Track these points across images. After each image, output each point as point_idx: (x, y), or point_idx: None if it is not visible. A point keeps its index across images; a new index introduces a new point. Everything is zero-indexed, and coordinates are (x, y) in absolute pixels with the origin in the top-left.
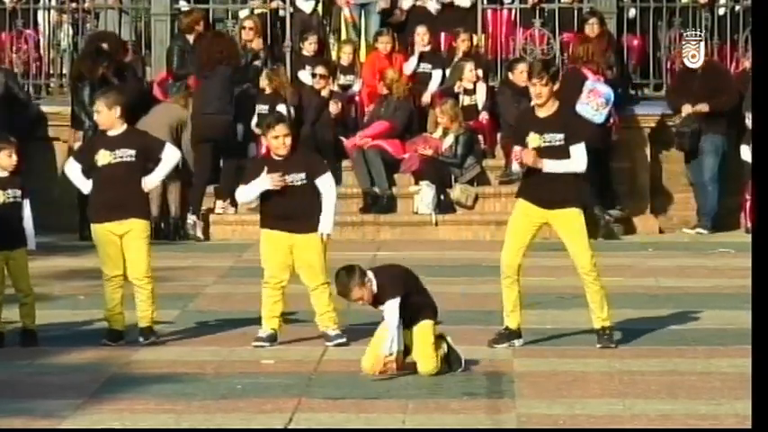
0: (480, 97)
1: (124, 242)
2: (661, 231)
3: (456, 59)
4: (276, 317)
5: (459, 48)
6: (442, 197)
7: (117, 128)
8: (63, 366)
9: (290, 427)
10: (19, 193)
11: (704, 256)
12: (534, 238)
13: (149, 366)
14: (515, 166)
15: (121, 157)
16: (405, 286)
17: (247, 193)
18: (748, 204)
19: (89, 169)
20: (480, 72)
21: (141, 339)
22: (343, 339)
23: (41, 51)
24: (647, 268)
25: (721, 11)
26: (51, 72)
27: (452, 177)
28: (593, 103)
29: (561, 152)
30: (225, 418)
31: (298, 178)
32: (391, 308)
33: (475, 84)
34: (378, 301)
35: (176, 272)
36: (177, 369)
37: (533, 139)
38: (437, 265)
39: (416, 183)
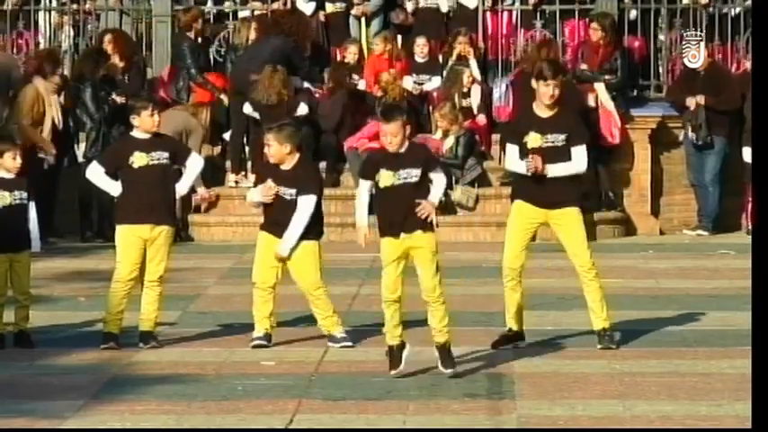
0: (475, 100)
1: (149, 247)
2: (662, 233)
3: (451, 62)
4: (267, 317)
5: (455, 50)
6: (442, 198)
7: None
8: (64, 367)
9: (290, 428)
10: (25, 195)
11: (705, 257)
12: (533, 239)
13: (150, 367)
14: (516, 167)
15: (158, 159)
16: None
17: (252, 197)
18: (749, 206)
19: (115, 172)
20: (477, 75)
21: (141, 345)
22: (349, 343)
23: None
24: (647, 270)
25: (726, 10)
26: None
27: (453, 179)
28: None
29: (561, 153)
30: (225, 419)
31: (288, 193)
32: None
33: (470, 87)
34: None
35: (177, 273)
36: (178, 370)
37: (534, 139)
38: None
39: None
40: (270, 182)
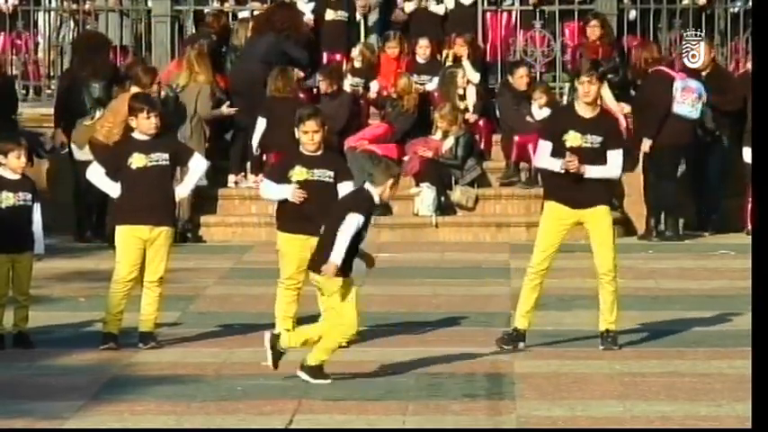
0: (471, 101)
1: (149, 248)
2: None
3: (447, 64)
4: (290, 317)
5: (451, 52)
6: (442, 199)
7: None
8: (64, 368)
9: (290, 428)
10: (29, 196)
11: (705, 257)
12: (564, 240)
13: (150, 368)
14: (548, 164)
15: (157, 160)
16: None
17: (270, 193)
18: (750, 206)
19: (115, 173)
20: (472, 76)
21: (141, 345)
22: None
23: (40, 53)
24: (647, 270)
25: (735, 9)
26: (51, 74)
27: (453, 179)
28: (689, 100)
29: (598, 155)
30: (225, 420)
31: (326, 175)
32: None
33: (465, 89)
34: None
35: (177, 273)
36: (178, 371)
37: (574, 138)
38: (437, 266)
39: (417, 185)
40: (296, 187)
